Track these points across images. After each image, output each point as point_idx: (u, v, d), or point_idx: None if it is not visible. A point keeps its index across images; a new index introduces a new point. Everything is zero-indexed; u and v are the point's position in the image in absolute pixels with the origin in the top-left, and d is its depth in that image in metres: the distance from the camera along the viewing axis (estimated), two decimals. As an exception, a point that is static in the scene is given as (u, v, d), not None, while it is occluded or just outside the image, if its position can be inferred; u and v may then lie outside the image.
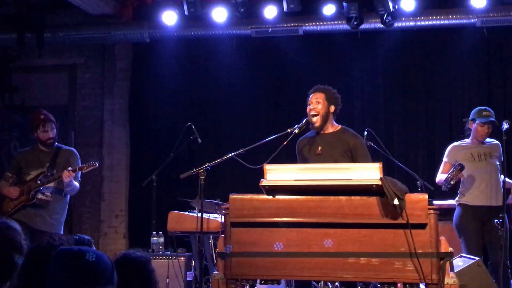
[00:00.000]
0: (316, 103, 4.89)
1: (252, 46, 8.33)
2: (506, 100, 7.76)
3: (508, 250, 5.64)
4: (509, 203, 5.91)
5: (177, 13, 7.91)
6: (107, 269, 2.24)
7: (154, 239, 6.45)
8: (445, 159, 6.09)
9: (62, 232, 5.86)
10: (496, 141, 5.99)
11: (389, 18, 7.42)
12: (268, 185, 3.79)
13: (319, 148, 4.82)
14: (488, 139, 5.99)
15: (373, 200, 3.67)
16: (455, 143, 6.13)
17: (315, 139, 4.93)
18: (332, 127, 4.95)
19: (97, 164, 5.81)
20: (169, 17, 7.93)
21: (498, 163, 5.91)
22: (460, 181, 5.89)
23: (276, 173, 3.84)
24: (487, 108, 5.99)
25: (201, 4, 7.70)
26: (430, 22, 7.65)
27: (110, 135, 8.87)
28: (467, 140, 6.02)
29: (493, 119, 5.85)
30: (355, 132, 4.98)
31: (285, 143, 4.71)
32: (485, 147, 5.92)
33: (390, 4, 7.29)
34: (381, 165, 3.70)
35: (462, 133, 7.61)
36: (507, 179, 5.78)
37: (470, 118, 5.97)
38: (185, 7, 7.70)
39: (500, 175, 5.86)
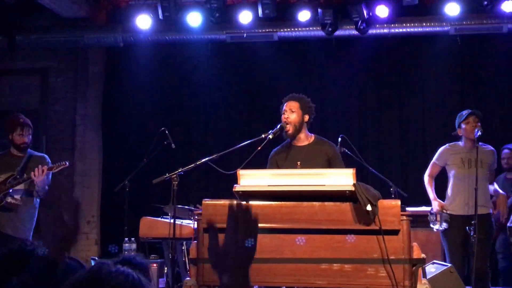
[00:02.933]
0: (291, 112, 4.87)
1: (227, 51, 8.30)
2: (479, 107, 7.79)
3: (489, 257, 5.66)
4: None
5: (151, 17, 7.85)
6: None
7: (126, 245, 6.37)
8: (434, 159, 5.96)
9: (31, 238, 5.76)
10: (490, 148, 5.87)
11: (364, 25, 7.46)
12: (242, 191, 3.77)
13: (298, 163, 4.78)
14: (483, 146, 5.80)
15: (346, 206, 3.67)
16: (448, 145, 5.95)
17: (291, 152, 4.89)
18: (307, 138, 4.92)
19: (68, 164, 5.71)
20: (143, 21, 7.87)
21: (488, 171, 5.78)
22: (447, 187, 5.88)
23: (250, 179, 3.83)
24: (461, 112, 5.95)
25: (175, 9, 7.66)
26: (404, 30, 7.70)
27: (82, 140, 8.76)
28: (460, 144, 5.85)
29: (470, 110, 5.80)
30: (330, 141, 4.98)
31: (259, 148, 4.68)
32: (478, 153, 5.62)
33: (365, 11, 7.34)
34: (354, 171, 3.70)
35: (435, 141, 7.67)
36: (490, 186, 5.79)
37: (457, 127, 5.86)
38: (160, 11, 7.66)
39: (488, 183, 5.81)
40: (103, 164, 8.71)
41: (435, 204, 5.75)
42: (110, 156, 8.65)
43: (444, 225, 5.68)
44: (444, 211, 5.68)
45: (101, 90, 8.78)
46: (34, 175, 5.50)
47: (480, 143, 5.70)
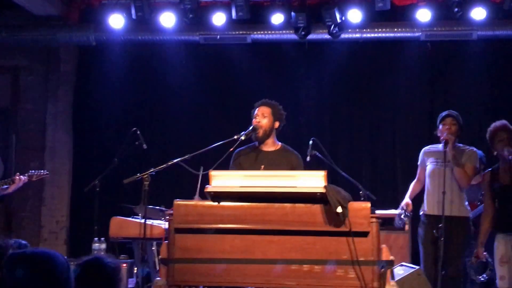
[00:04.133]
0: (262, 117, 4.94)
1: (200, 53, 8.30)
2: (448, 113, 7.92)
3: (463, 262, 5.71)
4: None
5: (124, 16, 7.81)
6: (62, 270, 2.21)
7: (95, 245, 6.32)
8: (418, 162, 5.97)
9: None
10: (471, 149, 5.77)
11: (336, 29, 7.52)
12: (214, 191, 3.79)
13: (262, 166, 4.82)
14: (465, 147, 5.76)
15: (317, 207, 3.71)
16: (429, 146, 5.94)
17: (256, 155, 4.93)
18: (274, 144, 4.99)
19: (48, 174, 5.77)
20: (116, 21, 7.82)
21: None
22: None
23: (222, 180, 3.84)
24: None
25: (149, 9, 7.64)
26: (376, 35, 7.77)
27: (52, 139, 8.68)
28: (439, 145, 5.74)
29: (447, 112, 5.76)
30: (295, 152, 5.04)
31: (231, 149, 4.73)
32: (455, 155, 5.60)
33: (338, 16, 7.39)
34: (325, 173, 3.74)
35: (405, 145, 7.76)
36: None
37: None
38: (133, 11, 7.62)
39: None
40: (74, 164, 8.64)
41: (402, 202, 5.81)
42: (80, 155, 8.59)
43: (400, 222, 5.74)
44: (405, 207, 5.71)
45: (72, 89, 8.71)
46: (15, 181, 5.52)
47: (460, 144, 5.77)
